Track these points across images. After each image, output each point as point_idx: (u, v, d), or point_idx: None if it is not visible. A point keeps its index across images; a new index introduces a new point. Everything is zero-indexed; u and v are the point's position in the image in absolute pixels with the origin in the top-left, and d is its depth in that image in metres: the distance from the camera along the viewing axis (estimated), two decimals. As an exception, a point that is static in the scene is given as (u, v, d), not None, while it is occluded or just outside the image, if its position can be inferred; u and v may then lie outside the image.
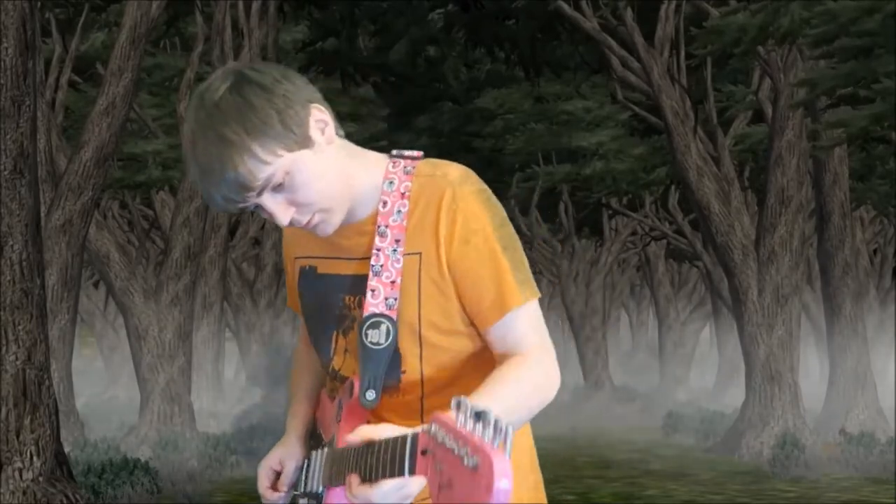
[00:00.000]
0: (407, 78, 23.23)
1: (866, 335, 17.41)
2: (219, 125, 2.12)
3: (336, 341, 2.35)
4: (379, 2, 20.99)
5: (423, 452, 1.79)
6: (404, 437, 1.86)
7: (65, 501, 8.31)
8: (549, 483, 2.56)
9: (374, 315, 2.23)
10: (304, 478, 2.41)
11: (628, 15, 16.25)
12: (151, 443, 14.04)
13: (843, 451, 15.09)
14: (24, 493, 8.17)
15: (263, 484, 2.42)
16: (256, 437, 15.13)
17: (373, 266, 2.24)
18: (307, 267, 2.40)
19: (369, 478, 1.98)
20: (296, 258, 2.45)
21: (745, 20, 12.61)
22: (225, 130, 2.12)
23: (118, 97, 12.83)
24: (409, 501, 2.00)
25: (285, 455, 2.43)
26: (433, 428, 1.75)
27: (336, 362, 2.36)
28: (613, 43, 16.29)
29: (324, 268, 2.36)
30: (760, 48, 15.05)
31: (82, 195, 12.66)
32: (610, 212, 26.24)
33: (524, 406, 2.19)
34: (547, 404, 2.25)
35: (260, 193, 2.16)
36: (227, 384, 22.30)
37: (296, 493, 2.42)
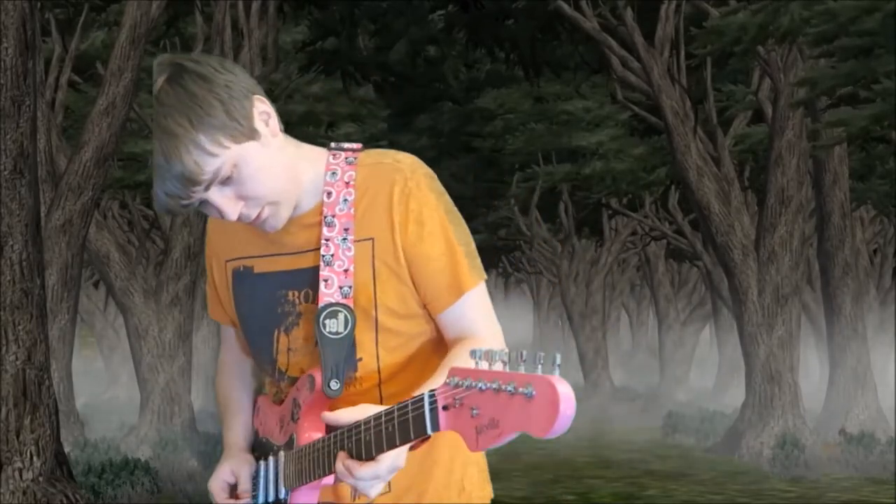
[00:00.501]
0: (407, 78, 23.22)
1: (866, 335, 17.41)
2: (162, 118, 2.07)
3: (278, 341, 2.31)
4: (379, 2, 20.98)
5: (445, 408, 1.83)
6: (414, 400, 1.89)
7: (65, 501, 8.31)
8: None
9: (331, 304, 2.20)
10: (259, 489, 2.34)
11: (628, 15, 16.25)
12: (151, 443, 14.03)
13: (843, 451, 15.09)
14: (24, 493, 8.17)
15: (222, 497, 2.36)
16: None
17: (323, 256, 2.22)
18: (241, 268, 2.35)
19: (369, 455, 2.00)
20: (227, 261, 2.38)
21: (745, 20, 12.61)
22: (168, 122, 2.07)
23: (118, 97, 12.82)
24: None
25: (235, 465, 2.38)
26: (455, 380, 1.81)
27: (281, 362, 2.32)
28: (613, 43, 16.28)
29: (261, 266, 2.31)
30: (760, 48, 15.05)
31: (82, 195, 12.66)
32: (610, 212, 26.23)
33: None
34: None
35: (207, 188, 2.11)
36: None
37: None
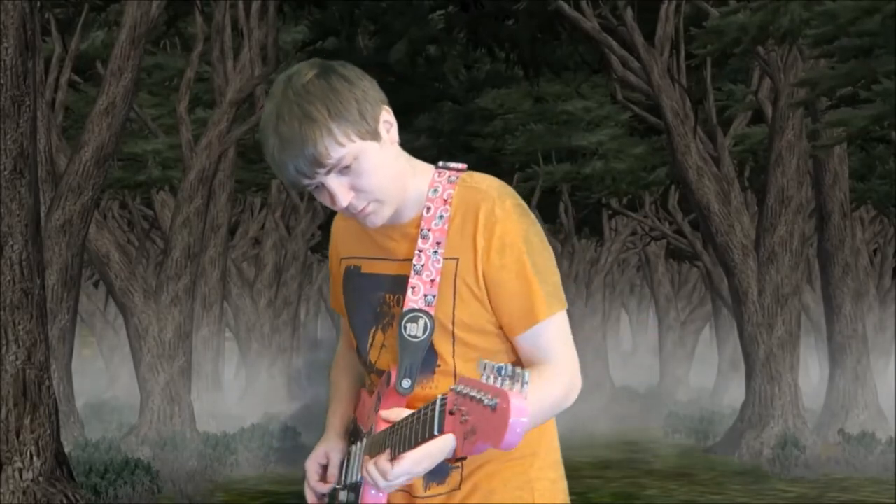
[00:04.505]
0: (407, 78, 23.21)
1: (866, 335, 17.40)
2: (306, 104, 2.33)
3: (374, 337, 2.53)
4: (379, 2, 20.98)
5: (451, 412, 1.99)
6: (433, 402, 2.08)
7: (65, 501, 8.31)
8: (564, 480, 2.59)
9: (414, 310, 2.41)
10: (343, 471, 2.56)
11: (628, 15, 16.24)
12: (151, 443, 14.03)
13: (843, 451, 15.09)
14: (24, 493, 8.17)
15: (313, 478, 2.57)
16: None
17: (414, 265, 2.43)
18: (352, 266, 2.59)
19: (394, 455, 2.22)
20: (342, 258, 2.63)
21: (744, 20, 12.60)
22: (311, 109, 2.32)
23: (118, 97, 12.82)
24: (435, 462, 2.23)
25: (329, 449, 2.59)
26: (459, 387, 1.97)
27: (372, 356, 2.54)
28: (613, 43, 16.28)
29: (367, 267, 2.55)
30: (760, 48, 15.05)
31: (82, 195, 12.66)
32: (610, 212, 26.22)
33: (541, 413, 2.39)
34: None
35: (328, 172, 2.35)
36: (227, 384, 22.29)
37: (336, 486, 2.56)
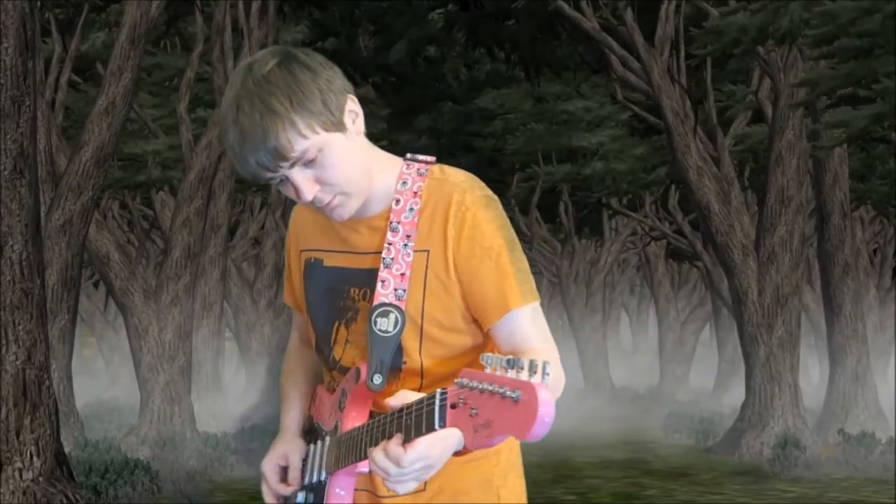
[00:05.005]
0: (407, 78, 23.22)
1: (866, 335, 17.40)
2: (266, 95, 2.25)
3: (337, 332, 2.47)
4: (379, 2, 20.98)
5: (453, 406, 1.97)
6: (432, 395, 2.04)
7: (65, 501, 8.31)
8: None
9: (384, 304, 2.35)
10: (306, 471, 2.49)
11: (628, 15, 16.24)
12: (151, 443, 14.03)
13: (843, 451, 15.08)
14: (24, 493, 8.17)
15: (273, 480, 2.51)
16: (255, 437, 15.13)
17: (384, 259, 2.37)
18: (313, 259, 2.52)
19: (409, 437, 2.14)
20: (302, 251, 2.55)
21: (744, 20, 12.61)
22: (272, 101, 2.25)
23: (118, 97, 12.82)
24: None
25: (288, 450, 2.53)
26: (463, 381, 1.94)
27: (336, 352, 2.47)
28: (613, 43, 16.28)
29: (330, 261, 2.48)
30: (760, 48, 15.05)
31: (82, 195, 12.66)
32: (610, 212, 26.23)
33: None
34: None
35: (292, 165, 2.28)
36: (227, 384, 22.28)
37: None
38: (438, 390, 2.02)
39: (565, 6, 16.25)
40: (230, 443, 14.52)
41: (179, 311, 14.47)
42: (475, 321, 2.41)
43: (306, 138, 2.26)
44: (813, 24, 11.43)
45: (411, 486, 2.19)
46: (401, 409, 2.14)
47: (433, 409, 2.02)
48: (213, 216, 16.92)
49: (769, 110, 16.35)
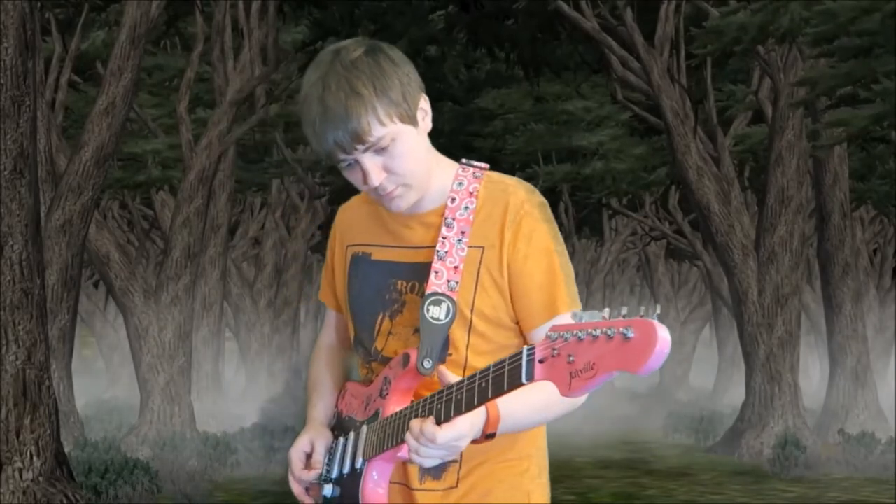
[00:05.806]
0: (407, 78, 23.17)
1: (866, 335, 17.40)
2: (353, 78, 2.37)
3: (381, 324, 2.55)
4: (379, 2, 20.97)
5: (542, 361, 2.04)
6: (511, 357, 2.11)
7: (65, 501, 8.31)
8: (549, 483, 2.60)
9: (436, 294, 2.44)
10: (333, 462, 2.54)
11: (628, 15, 16.24)
12: (151, 443, 14.02)
13: (843, 451, 15.09)
14: (24, 493, 8.17)
15: (298, 466, 2.57)
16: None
17: (438, 251, 2.46)
18: (361, 253, 2.60)
19: (448, 418, 2.23)
20: (348, 246, 2.63)
21: (744, 20, 12.61)
22: (357, 84, 2.37)
23: (118, 97, 12.82)
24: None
25: (315, 437, 2.59)
26: (554, 335, 2.02)
27: (378, 343, 2.55)
28: (613, 43, 16.27)
29: (379, 255, 2.57)
30: (760, 48, 15.05)
31: (82, 195, 12.65)
32: (610, 212, 26.23)
33: (550, 412, 2.41)
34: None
35: (366, 150, 2.39)
36: (227, 384, 22.28)
37: (320, 479, 2.55)
38: (525, 347, 2.08)
39: (565, 6, 16.25)
40: (230, 443, 14.52)
41: (179, 311, 14.47)
42: (517, 323, 2.49)
43: (384, 125, 2.37)
44: (813, 22, 11.44)
45: (436, 461, 2.29)
46: (471, 377, 2.21)
47: (519, 366, 2.08)
48: (213, 216, 16.93)
49: (769, 110, 16.35)
